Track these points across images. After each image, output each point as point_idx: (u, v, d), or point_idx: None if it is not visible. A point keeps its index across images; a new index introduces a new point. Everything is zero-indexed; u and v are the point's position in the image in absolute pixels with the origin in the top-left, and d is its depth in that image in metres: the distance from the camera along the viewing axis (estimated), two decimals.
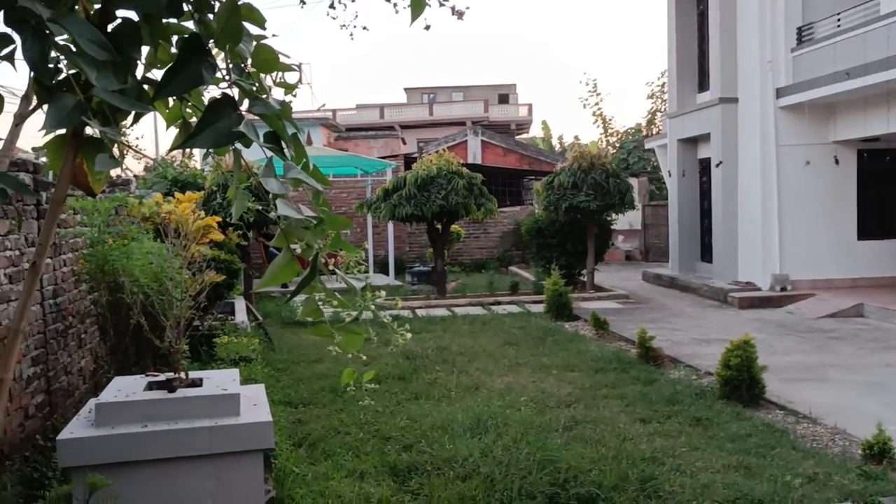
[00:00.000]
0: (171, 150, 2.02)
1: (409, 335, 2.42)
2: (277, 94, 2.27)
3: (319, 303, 2.17)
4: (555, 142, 49.81)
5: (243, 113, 1.80)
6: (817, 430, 6.63)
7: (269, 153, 1.85)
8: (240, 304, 11.21)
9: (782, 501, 4.96)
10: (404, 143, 31.63)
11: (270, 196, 1.87)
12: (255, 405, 3.61)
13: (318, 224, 1.91)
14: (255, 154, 2.31)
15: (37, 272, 2.06)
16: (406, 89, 55.27)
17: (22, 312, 2.04)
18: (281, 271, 2.13)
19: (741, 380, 7.35)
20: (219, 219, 8.34)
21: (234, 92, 1.85)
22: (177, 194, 8.71)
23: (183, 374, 3.66)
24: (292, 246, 2.07)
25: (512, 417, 6.62)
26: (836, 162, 14.77)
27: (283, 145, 1.84)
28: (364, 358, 2.57)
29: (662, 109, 32.48)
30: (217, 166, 13.36)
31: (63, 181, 2.01)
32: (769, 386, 7.53)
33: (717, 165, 16.23)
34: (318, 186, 1.89)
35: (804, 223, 14.77)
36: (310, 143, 23.71)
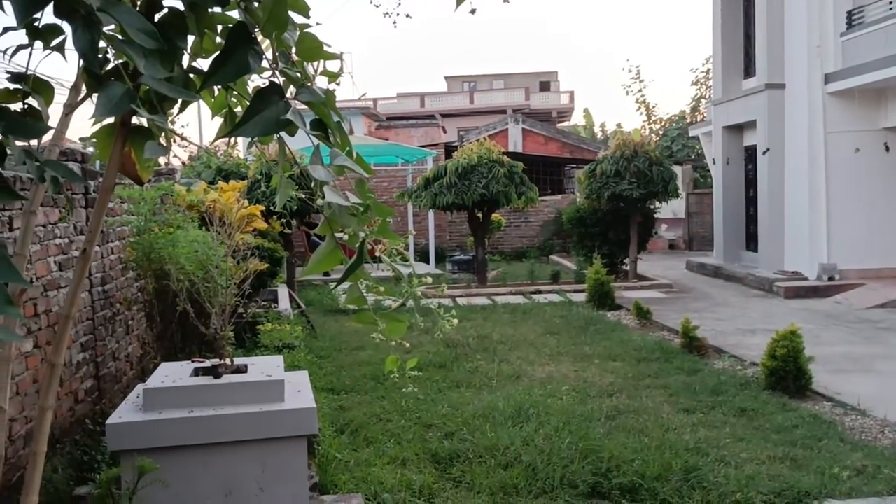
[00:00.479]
0: (218, 138, 2.04)
1: (455, 321, 2.41)
2: (321, 82, 2.28)
3: (363, 291, 2.17)
4: (597, 129, 49.35)
5: (289, 101, 1.80)
6: (866, 422, 6.50)
7: (316, 141, 1.85)
8: (283, 292, 11.32)
9: (829, 494, 4.88)
10: (445, 131, 31.59)
11: (315, 184, 1.88)
12: (299, 391, 3.65)
13: (364, 211, 1.91)
14: (296, 143, 2.32)
15: (87, 259, 2.10)
16: (446, 77, 55.15)
17: (72, 299, 2.08)
18: (325, 259, 2.14)
19: (787, 370, 7.23)
20: (262, 207, 8.43)
21: (280, 80, 1.86)
22: (220, 183, 8.82)
23: (228, 361, 3.71)
24: (337, 234, 2.08)
25: (553, 406, 6.59)
26: (887, 149, 14.40)
27: (329, 133, 1.84)
28: (407, 345, 2.58)
29: (707, 96, 31.95)
30: (260, 156, 13.48)
31: (111, 169, 2.04)
32: (816, 377, 7.39)
33: (764, 153, 15.93)
34: (363, 174, 1.89)
35: (853, 211, 14.43)
36: (351, 132, 23.80)
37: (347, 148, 2.04)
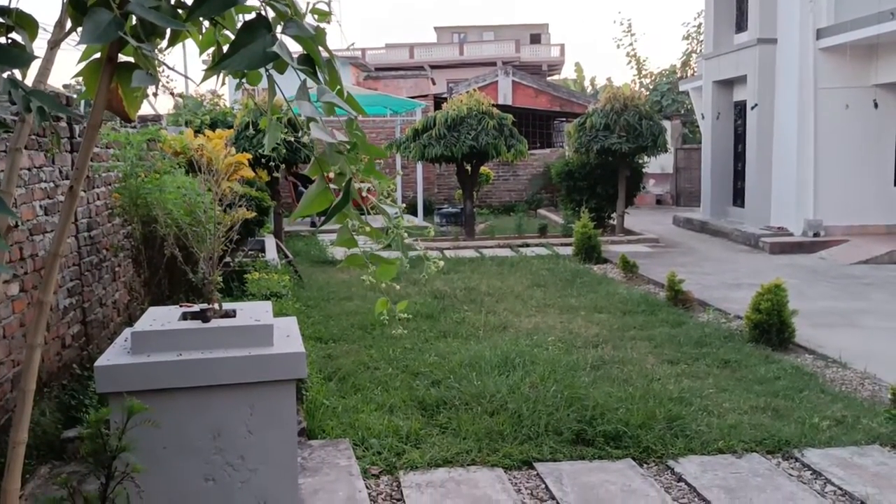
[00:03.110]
0: (206, 78, 2.00)
1: (441, 262, 2.41)
2: (310, 21, 2.23)
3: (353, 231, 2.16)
4: (587, 84, 49.01)
5: (277, 35, 1.77)
6: (847, 374, 6.60)
7: (303, 76, 1.82)
8: (270, 242, 11.30)
9: (809, 443, 4.98)
10: (434, 83, 31.25)
11: (302, 120, 1.86)
12: (288, 336, 3.65)
13: (352, 149, 1.89)
14: (288, 91, 2.29)
15: (74, 197, 2.07)
16: (436, 28, 54.51)
17: (60, 237, 2.06)
18: (314, 200, 2.13)
19: (771, 324, 7.31)
20: (249, 156, 8.36)
21: (269, 14, 1.82)
22: (207, 132, 8.72)
23: (216, 306, 3.70)
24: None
25: (539, 356, 6.65)
26: (876, 106, 14.38)
27: (317, 70, 1.81)
28: (398, 287, 2.58)
29: (698, 51, 31.71)
30: (247, 104, 13.34)
31: (98, 106, 2.01)
32: (799, 331, 7.47)
33: (753, 108, 15.89)
34: (352, 112, 1.87)
35: (840, 168, 14.46)
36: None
37: (338, 87, 2.01)
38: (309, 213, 2.12)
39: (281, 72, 2.10)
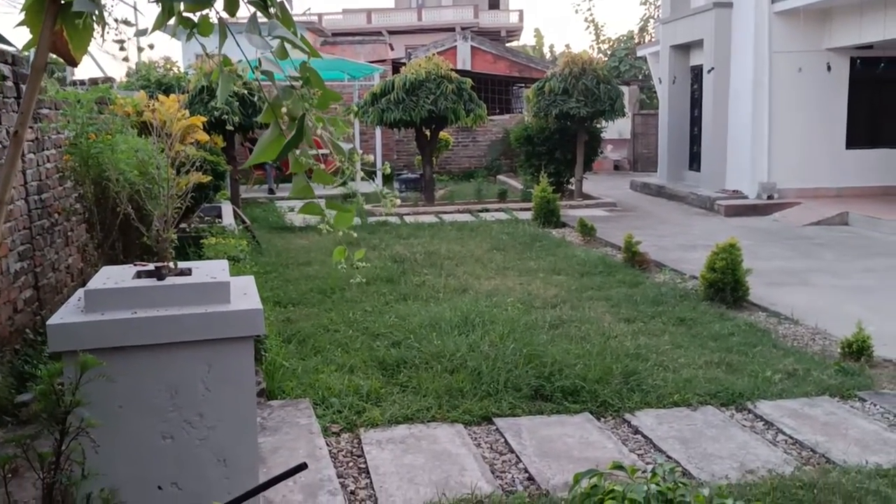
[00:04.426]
0: (156, 25, 1.95)
1: (398, 201, 2.39)
2: None
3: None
4: (546, 51, 48.93)
5: None
6: (798, 330, 6.76)
7: (253, 9, 1.79)
8: (227, 208, 11.15)
9: (762, 395, 5.10)
10: (392, 48, 30.91)
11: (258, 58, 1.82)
12: (245, 294, 3.62)
13: (305, 83, 1.86)
14: (239, 55, 2.24)
15: (19, 142, 2.02)
16: None
17: (5, 183, 2.00)
18: (269, 145, 2.10)
19: (725, 282, 7.44)
20: (204, 119, 8.21)
21: None
22: (160, 96, 8.54)
23: (171, 264, 3.65)
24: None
25: (499, 316, 6.70)
26: (829, 69, 14.60)
27: (268, 4, 1.78)
28: (355, 236, 2.57)
29: (655, 16, 31.82)
30: (201, 69, 13.08)
31: (42, 47, 1.95)
32: (753, 289, 7.62)
33: (709, 71, 16.02)
34: (303, 47, 1.83)
35: (794, 131, 14.69)
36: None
37: (292, 28, 1.97)
38: (264, 158, 2.09)
39: (231, 14, 2.06)
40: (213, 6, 2.03)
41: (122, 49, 2.67)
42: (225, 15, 2.05)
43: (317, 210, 2.21)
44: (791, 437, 4.53)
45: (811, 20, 14.36)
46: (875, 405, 5.00)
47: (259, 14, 1.86)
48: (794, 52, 14.53)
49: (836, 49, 14.50)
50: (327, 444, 4.35)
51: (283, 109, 2.00)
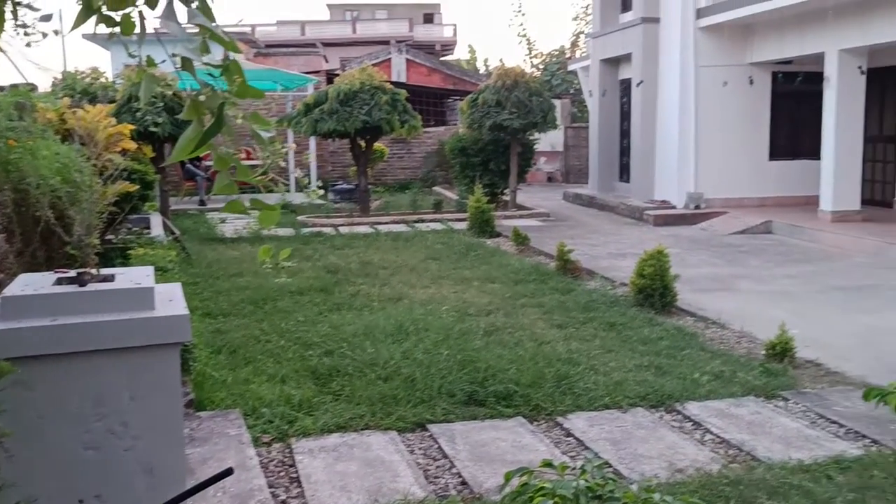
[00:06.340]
0: (77, 22, 1.90)
1: (321, 190, 2.37)
2: None
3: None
4: (480, 65, 49.36)
5: None
6: (725, 333, 6.94)
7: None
8: (155, 219, 10.89)
9: (690, 396, 5.22)
10: (326, 60, 30.76)
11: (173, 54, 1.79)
12: (171, 301, 3.53)
13: (225, 71, 1.83)
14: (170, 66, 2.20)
15: None
16: (329, 6, 53.63)
17: None
18: (189, 142, 2.06)
19: (654, 288, 7.59)
20: (131, 127, 8.04)
21: None
22: (85, 105, 8.32)
23: (94, 270, 3.55)
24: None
25: (433, 324, 6.70)
26: (751, 83, 15.09)
27: None
28: (286, 257, 2.53)
29: (587, 31, 32.43)
30: (129, 78, 12.82)
31: None
32: (681, 295, 7.80)
33: (638, 85, 16.39)
34: (224, 37, 1.80)
35: (719, 143, 15.12)
36: (226, 57, 22.80)
37: (213, 23, 1.94)
38: (185, 155, 2.06)
39: (151, 7, 2.02)
40: (135, 3, 1.99)
41: (26, 34, 2.58)
42: (147, 10, 2.01)
43: (240, 208, 2.18)
44: (718, 437, 4.64)
45: (734, 36, 14.84)
46: (797, 404, 5.16)
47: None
48: (718, 66, 14.97)
49: (758, 63, 15.00)
50: (258, 455, 4.28)
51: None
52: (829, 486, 3.88)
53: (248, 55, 28.12)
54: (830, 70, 12.88)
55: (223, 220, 13.99)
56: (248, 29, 36.58)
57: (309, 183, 17.31)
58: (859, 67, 12.75)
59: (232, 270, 9.54)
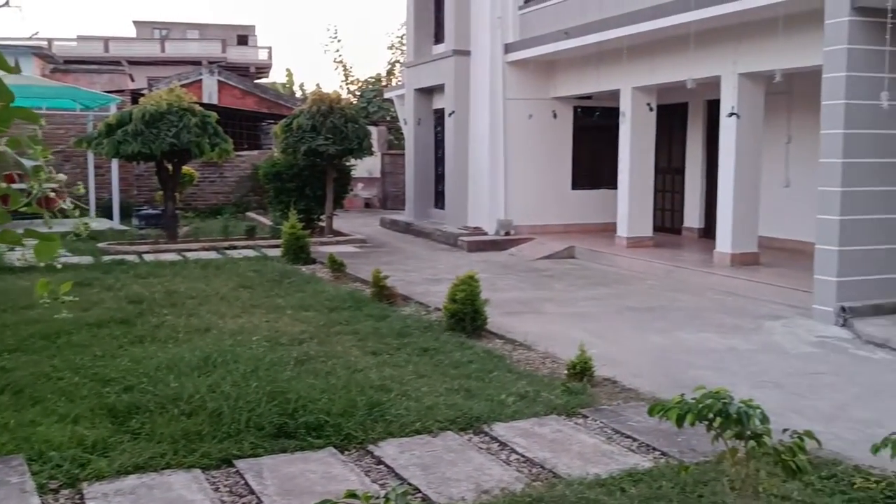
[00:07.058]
0: None
1: (92, 224, 2.24)
2: None
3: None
4: (297, 89, 48.97)
5: None
6: (531, 355, 7.23)
7: None
8: None
9: (497, 417, 5.37)
10: (132, 79, 29.33)
11: None
12: None
13: None
14: None
15: None
16: (135, 22, 51.24)
17: None
18: None
19: (465, 312, 7.79)
20: None
21: None
22: None
23: None
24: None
25: (243, 355, 6.50)
26: (555, 116, 15.94)
27: None
28: (66, 291, 2.36)
29: (402, 60, 33.05)
30: None
31: None
32: (491, 318, 8.05)
33: (450, 115, 16.86)
34: None
35: (526, 173, 15.83)
36: (18, 71, 21.19)
37: None
38: None
39: None
40: None
41: None
42: None
43: (14, 238, 2.01)
44: (523, 456, 4.80)
45: (539, 71, 15.66)
46: (595, 420, 5.45)
47: None
48: (525, 99, 15.71)
49: (560, 98, 15.89)
50: (43, 503, 3.94)
51: None
52: (622, 498, 4.11)
53: (45, 71, 26.31)
54: (625, 105, 13.87)
55: (11, 249, 12.89)
56: (44, 43, 34.22)
57: (78, 211, 16.34)
58: (648, 104, 13.82)
59: (22, 302, 8.78)
